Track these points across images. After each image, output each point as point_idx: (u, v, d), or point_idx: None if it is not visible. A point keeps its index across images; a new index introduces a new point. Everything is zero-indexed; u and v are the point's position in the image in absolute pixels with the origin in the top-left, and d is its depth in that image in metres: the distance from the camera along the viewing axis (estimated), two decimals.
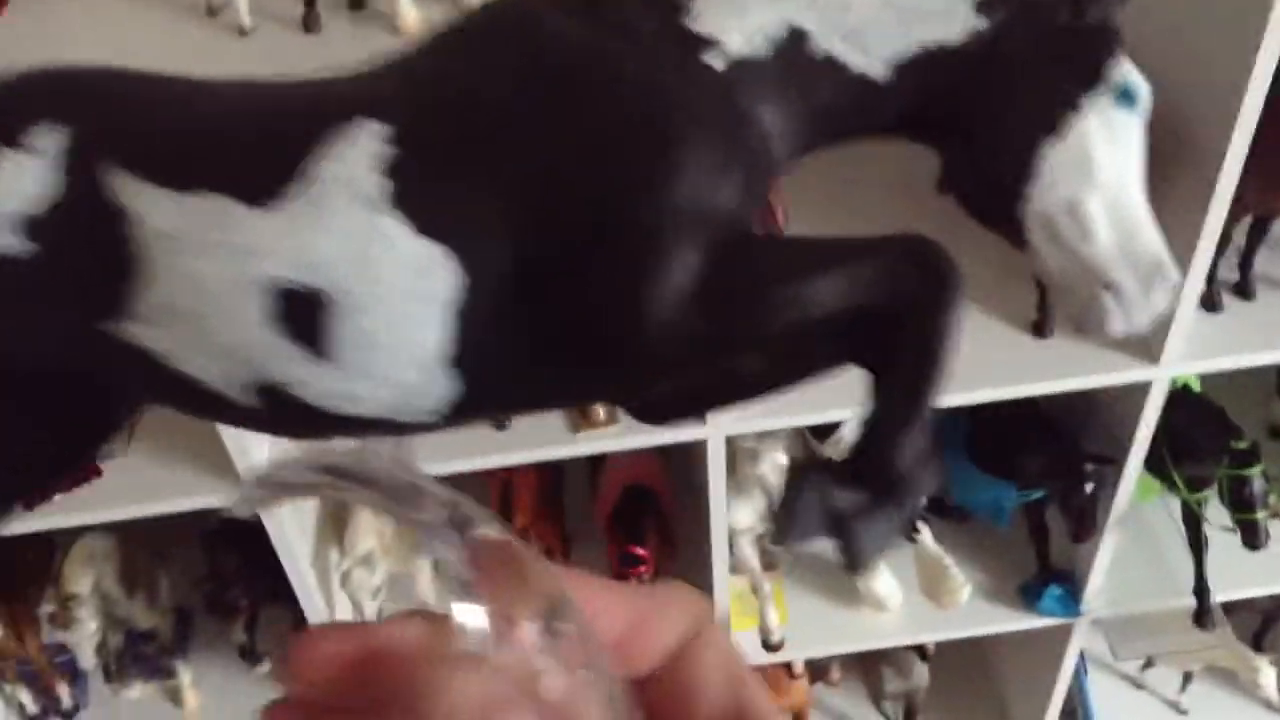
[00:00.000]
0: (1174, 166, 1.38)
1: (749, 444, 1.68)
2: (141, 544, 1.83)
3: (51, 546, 1.81)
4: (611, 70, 0.45)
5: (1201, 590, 1.86)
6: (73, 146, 0.49)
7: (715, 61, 0.46)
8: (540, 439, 1.54)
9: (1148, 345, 1.52)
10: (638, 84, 0.46)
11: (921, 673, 2.10)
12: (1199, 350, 1.53)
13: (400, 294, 0.45)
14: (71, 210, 0.48)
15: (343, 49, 1.16)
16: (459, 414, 0.50)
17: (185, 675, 1.88)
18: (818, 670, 2.26)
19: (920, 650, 2.08)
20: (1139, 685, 2.38)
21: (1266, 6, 1.15)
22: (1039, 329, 1.54)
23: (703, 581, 1.79)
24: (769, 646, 1.87)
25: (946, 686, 2.25)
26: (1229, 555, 1.85)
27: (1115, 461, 1.67)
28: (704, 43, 0.46)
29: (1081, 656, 2.15)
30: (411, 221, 0.45)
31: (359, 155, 0.45)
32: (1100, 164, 0.48)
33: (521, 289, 0.45)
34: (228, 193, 0.46)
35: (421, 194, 0.45)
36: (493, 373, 0.47)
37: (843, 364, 0.51)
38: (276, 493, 0.36)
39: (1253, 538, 1.67)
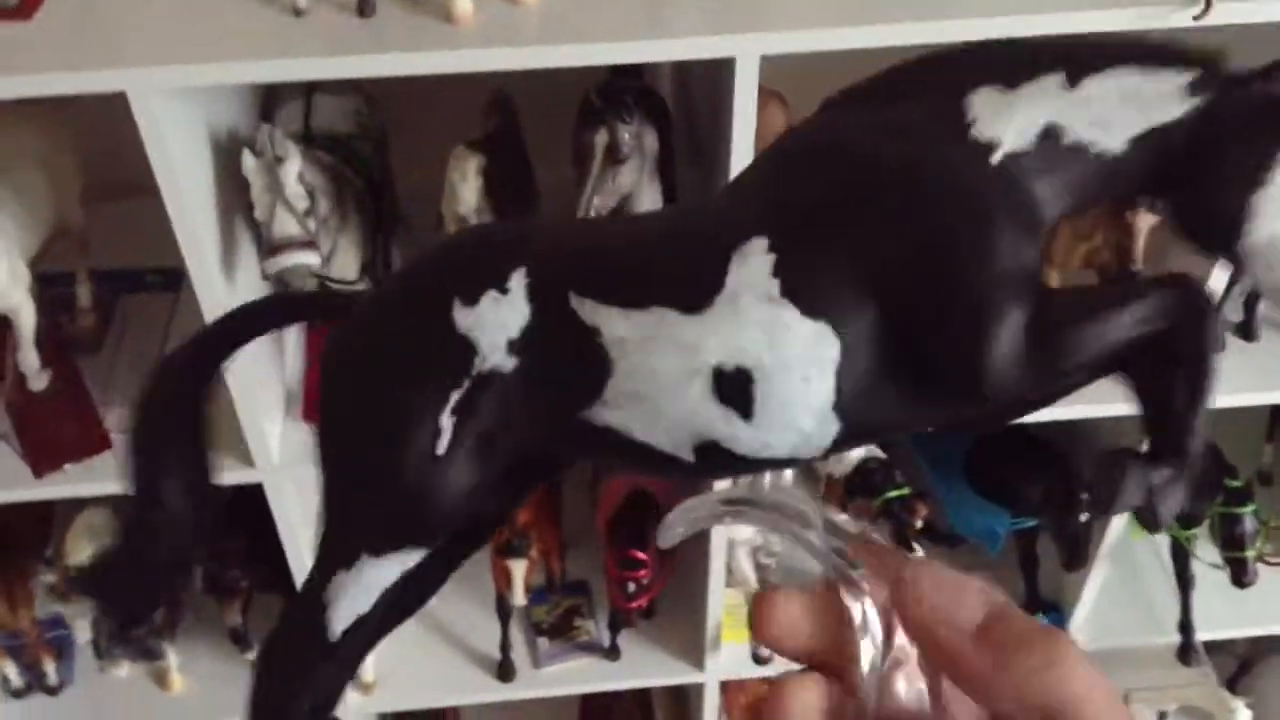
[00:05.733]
0: None
1: None
2: None
3: (48, 519, 1.81)
4: (927, 176, 0.66)
5: (1187, 626, 1.89)
6: (532, 283, 0.68)
7: (997, 157, 0.65)
8: None
9: None
10: (950, 185, 0.65)
11: None
12: None
13: (800, 363, 0.64)
14: (543, 330, 0.68)
15: (396, 34, 1.18)
16: (837, 448, 0.67)
17: (173, 658, 1.87)
18: None
19: None
20: None
21: None
22: None
23: (698, 591, 1.81)
24: (758, 660, 1.89)
25: None
26: (1213, 594, 1.89)
27: None
28: (988, 146, 0.65)
29: None
30: (800, 308, 0.64)
31: (755, 265, 0.65)
32: None
33: (884, 349, 0.64)
34: (668, 305, 0.66)
35: (803, 285, 0.64)
36: (865, 413, 0.65)
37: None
38: (691, 525, 0.46)
39: (1241, 575, 1.70)
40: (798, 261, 0.65)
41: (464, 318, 0.68)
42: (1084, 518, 1.70)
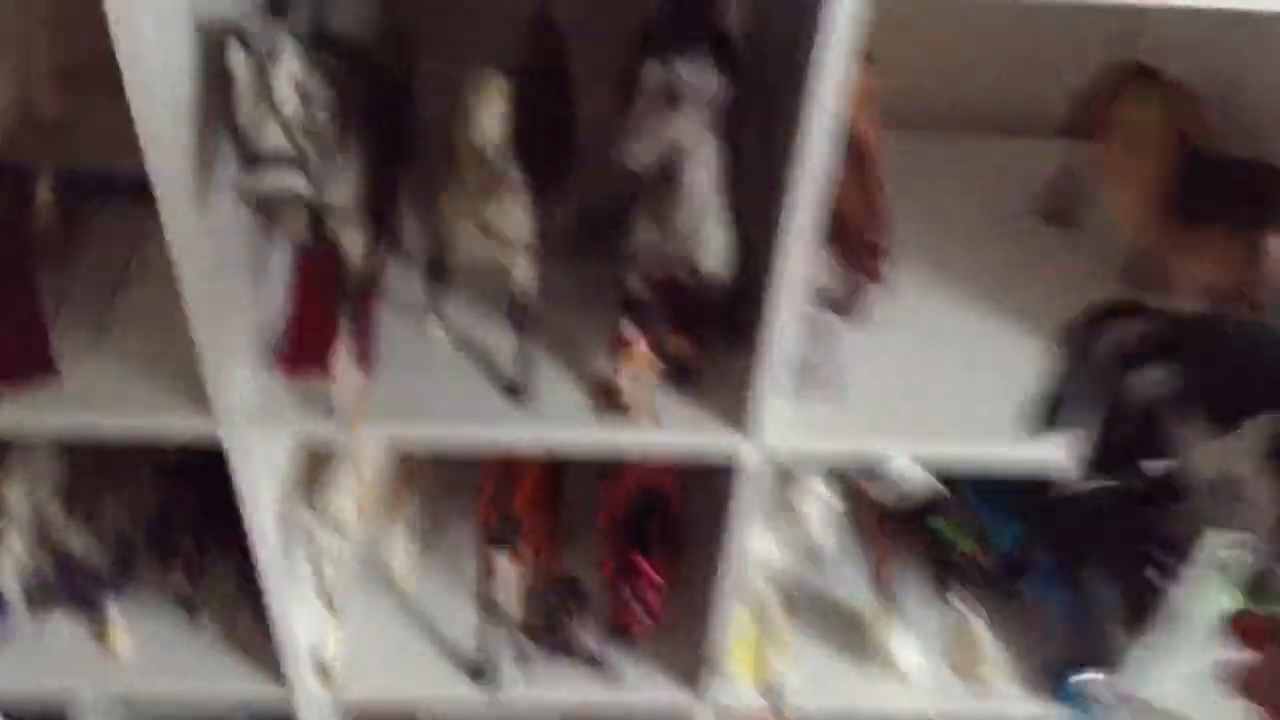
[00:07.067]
0: None
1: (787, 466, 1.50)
2: (90, 466, 1.63)
3: None
4: None
5: None
6: None
7: None
8: (563, 422, 1.35)
9: None
10: None
11: None
12: None
13: None
14: None
15: None
16: None
17: (116, 613, 1.67)
18: None
19: None
20: None
21: None
22: None
23: (704, 612, 1.61)
24: (767, 693, 1.68)
25: None
26: None
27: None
28: None
29: None
30: None
31: None
32: None
33: None
34: None
35: None
36: None
37: None
38: None
39: None
40: None
41: None
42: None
